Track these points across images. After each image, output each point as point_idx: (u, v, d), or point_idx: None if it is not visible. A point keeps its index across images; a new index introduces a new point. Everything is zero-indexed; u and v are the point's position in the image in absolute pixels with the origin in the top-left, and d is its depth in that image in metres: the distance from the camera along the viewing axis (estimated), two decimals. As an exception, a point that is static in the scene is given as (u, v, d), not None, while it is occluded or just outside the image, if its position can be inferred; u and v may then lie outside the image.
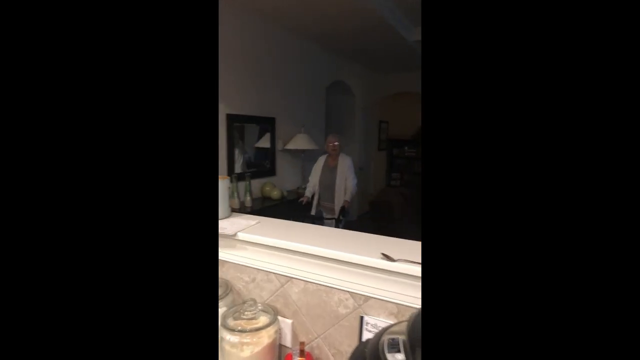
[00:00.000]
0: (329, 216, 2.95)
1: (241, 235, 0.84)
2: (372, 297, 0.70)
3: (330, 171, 3.03)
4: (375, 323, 0.70)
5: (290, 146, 3.45)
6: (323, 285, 0.75)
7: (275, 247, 0.80)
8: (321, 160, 3.10)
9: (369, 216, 5.24)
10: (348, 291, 0.72)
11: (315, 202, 3.06)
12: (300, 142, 3.41)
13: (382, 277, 0.68)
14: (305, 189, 3.17)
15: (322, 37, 3.60)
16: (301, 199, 3.04)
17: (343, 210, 2.93)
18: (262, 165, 3.32)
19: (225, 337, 0.72)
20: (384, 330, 0.54)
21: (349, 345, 0.74)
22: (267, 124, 3.31)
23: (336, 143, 2.98)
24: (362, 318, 0.71)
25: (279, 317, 0.80)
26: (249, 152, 3.19)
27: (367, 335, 0.71)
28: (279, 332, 0.78)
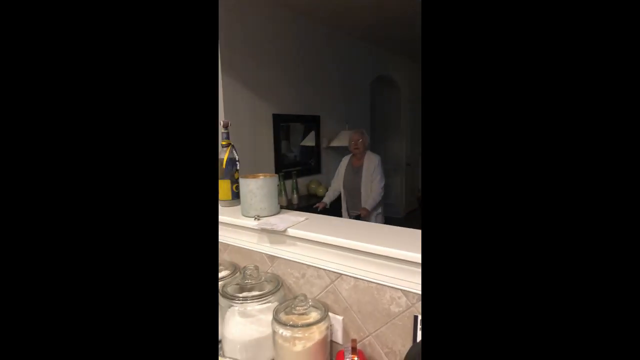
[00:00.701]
0: None
1: (291, 232, 0.85)
2: (427, 296, 0.67)
3: (354, 173, 2.57)
4: (430, 323, 0.67)
5: (334, 143, 3.45)
6: (374, 282, 0.73)
7: (325, 243, 0.80)
8: (345, 161, 2.68)
9: (417, 214, 5.08)
10: (400, 289, 0.70)
11: (343, 210, 2.64)
12: (344, 139, 3.39)
13: (437, 275, 0.65)
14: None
15: (365, 31, 3.54)
16: (316, 205, 2.63)
17: (358, 220, 2.37)
18: (307, 163, 3.35)
19: (278, 331, 0.73)
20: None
21: (403, 345, 0.71)
22: (312, 122, 3.34)
23: (359, 140, 2.53)
24: (416, 317, 0.69)
25: (330, 314, 0.79)
26: (294, 150, 3.24)
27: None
28: (329, 328, 0.78)
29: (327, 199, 2.69)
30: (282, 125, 3.01)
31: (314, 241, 0.82)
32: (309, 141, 3.36)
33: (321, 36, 3.31)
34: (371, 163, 2.51)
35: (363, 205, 2.48)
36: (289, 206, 2.77)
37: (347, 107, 3.77)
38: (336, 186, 2.67)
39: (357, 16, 3.09)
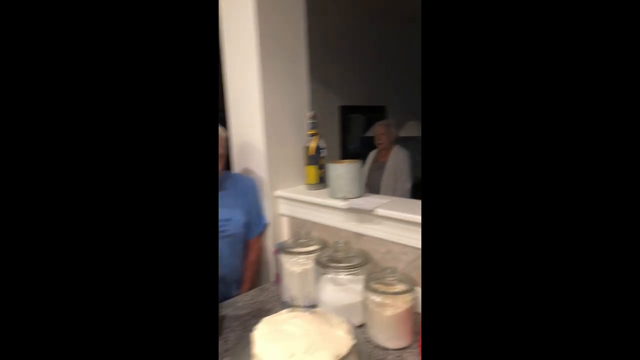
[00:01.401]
0: None
1: (378, 211, 0.93)
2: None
3: (377, 169, 2.26)
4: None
5: (402, 134, 3.44)
6: (460, 259, 0.78)
7: (410, 221, 0.86)
8: (371, 156, 2.37)
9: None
10: (488, 266, 0.74)
11: None
12: (410, 130, 3.36)
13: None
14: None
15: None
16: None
17: None
18: (367, 154, 3.40)
19: (370, 297, 0.82)
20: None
21: (489, 318, 0.76)
22: (377, 113, 3.37)
23: (383, 133, 2.22)
24: (503, 293, 0.72)
25: (415, 287, 0.86)
26: (354, 142, 3.31)
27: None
28: (415, 300, 0.85)
29: None
30: (348, 116, 3.09)
31: (399, 220, 0.89)
32: (373, 132, 3.40)
33: (387, 27, 3.30)
34: (397, 159, 2.20)
35: None
36: (355, 195, 2.86)
37: (415, 96, 3.72)
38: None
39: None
